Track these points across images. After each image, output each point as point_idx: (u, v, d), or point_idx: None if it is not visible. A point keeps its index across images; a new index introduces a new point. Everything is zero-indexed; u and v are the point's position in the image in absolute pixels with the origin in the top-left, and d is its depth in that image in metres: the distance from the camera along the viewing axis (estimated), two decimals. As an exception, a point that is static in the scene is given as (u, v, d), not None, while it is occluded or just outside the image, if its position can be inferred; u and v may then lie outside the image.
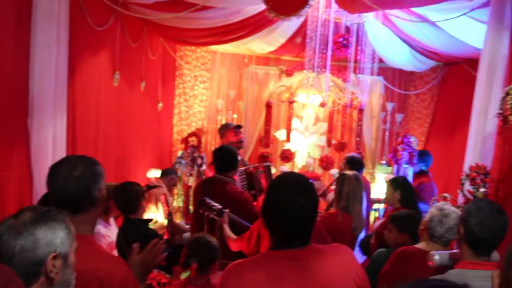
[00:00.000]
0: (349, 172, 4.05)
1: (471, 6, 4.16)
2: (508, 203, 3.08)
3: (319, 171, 7.71)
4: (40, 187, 3.58)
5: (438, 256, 2.46)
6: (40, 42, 3.67)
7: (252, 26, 6.43)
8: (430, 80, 7.96)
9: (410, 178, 5.47)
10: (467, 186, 3.39)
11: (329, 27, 6.03)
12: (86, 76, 4.74)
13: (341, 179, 3.99)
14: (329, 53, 5.73)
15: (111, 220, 4.17)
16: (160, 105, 7.53)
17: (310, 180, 2.05)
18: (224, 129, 5.48)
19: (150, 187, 5.03)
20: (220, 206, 3.63)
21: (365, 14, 5.96)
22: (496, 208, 2.26)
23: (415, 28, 6.19)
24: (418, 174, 5.67)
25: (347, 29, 6.68)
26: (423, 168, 5.63)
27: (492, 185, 3.16)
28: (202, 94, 8.02)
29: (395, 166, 5.81)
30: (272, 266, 1.86)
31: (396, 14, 5.73)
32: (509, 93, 2.91)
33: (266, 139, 7.54)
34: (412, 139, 6.41)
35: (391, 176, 5.33)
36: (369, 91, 7.52)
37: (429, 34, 6.23)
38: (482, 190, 3.33)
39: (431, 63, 7.45)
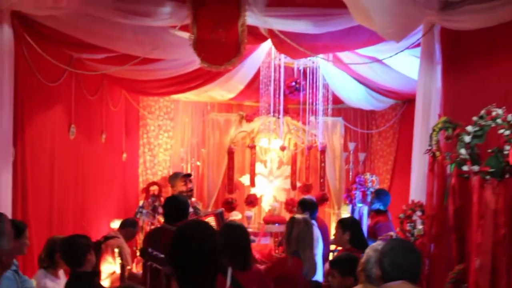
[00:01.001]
0: (298, 216, 4.09)
1: (403, 46, 4.36)
2: (442, 239, 3.14)
3: (285, 215, 7.72)
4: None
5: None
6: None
7: (209, 74, 6.57)
8: (390, 118, 8.17)
9: (365, 217, 5.53)
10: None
11: (282, 72, 6.23)
12: (38, 131, 4.79)
13: (291, 223, 4.01)
14: (281, 97, 5.87)
15: (60, 272, 4.11)
16: (124, 155, 7.57)
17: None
18: (174, 178, 5.53)
19: (106, 238, 4.97)
20: (162, 256, 3.60)
21: (316, 58, 6.19)
22: (408, 246, 2.27)
23: (367, 68, 6.43)
24: (375, 213, 5.71)
25: (304, 72, 6.91)
26: (380, 207, 5.67)
27: (427, 222, 3.23)
28: (167, 143, 8.08)
29: (350, 206, 5.87)
30: None
31: (344, 55, 5.95)
32: (434, 129, 3.02)
33: (229, 185, 7.58)
34: (373, 178, 6.53)
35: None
36: (329, 132, 7.66)
37: (381, 73, 6.48)
38: (419, 227, 3.40)
39: (389, 101, 7.69)
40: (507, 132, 2.36)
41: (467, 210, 2.76)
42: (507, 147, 2.35)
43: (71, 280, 3.68)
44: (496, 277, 2.43)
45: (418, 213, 3.49)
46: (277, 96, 6.16)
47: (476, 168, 2.47)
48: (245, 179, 7.85)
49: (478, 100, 3.47)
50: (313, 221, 4.97)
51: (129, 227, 5.59)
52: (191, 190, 5.49)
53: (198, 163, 7.84)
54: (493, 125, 2.41)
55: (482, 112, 2.51)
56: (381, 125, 8.20)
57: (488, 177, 2.44)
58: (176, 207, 4.09)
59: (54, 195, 5.11)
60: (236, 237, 3.40)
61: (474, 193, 2.49)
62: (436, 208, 3.16)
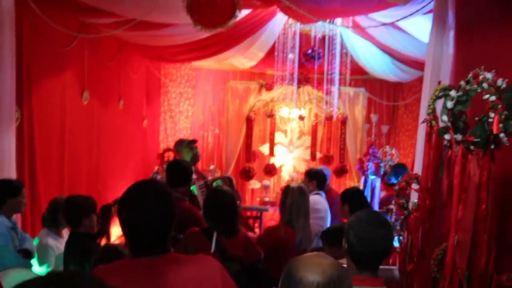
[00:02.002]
0: (293, 184, 3.98)
1: (420, 10, 4.10)
2: (435, 213, 2.98)
3: (304, 185, 7.62)
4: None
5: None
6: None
7: (227, 40, 6.47)
8: (417, 90, 7.83)
9: (377, 189, 5.35)
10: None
11: (301, 39, 6.03)
12: (46, 94, 4.82)
13: (285, 192, 3.91)
14: (296, 64, 5.69)
15: (64, 232, 4.19)
16: (145, 122, 7.63)
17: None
18: (179, 145, 5.49)
19: (117, 201, 5.06)
20: None
21: (336, 24, 5.96)
22: (377, 219, 2.09)
23: (390, 37, 6.14)
24: (389, 187, 5.54)
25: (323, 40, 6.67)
26: (394, 181, 5.49)
27: (421, 195, 3.06)
28: (188, 110, 8.10)
29: (363, 178, 5.69)
30: (128, 274, 1.85)
31: (363, 21, 5.69)
32: (432, 97, 2.82)
33: (247, 153, 7.53)
34: (393, 151, 6.31)
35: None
36: (351, 103, 7.44)
37: (405, 43, 6.18)
38: (415, 200, 3.23)
39: (416, 73, 7.34)
40: (493, 98, 2.16)
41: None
42: (492, 115, 2.15)
43: (69, 239, 3.75)
44: (474, 255, 2.27)
45: (414, 186, 3.34)
46: (292, 64, 5.96)
47: (459, 137, 2.28)
48: (265, 148, 7.79)
49: (491, 68, 3.23)
50: (321, 192, 4.83)
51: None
52: (197, 156, 5.44)
53: (217, 131, 7.81)
54: (479, 90, 2.21)
55: (469, 75, 2.31)
56: (407, 97, 7.89)
57: (472, 147, 2.25)
58: (178, 171, 4.03)
59: (65, 158, 5.18)
60: (221, 202, 3.34)
61: (456, 164, 2.31)
62: (431, 181, 2.98)
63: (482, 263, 2.25)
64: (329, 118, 7.34)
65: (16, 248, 3.59)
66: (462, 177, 2.30)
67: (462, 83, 2.33)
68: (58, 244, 4.06)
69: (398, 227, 3.51)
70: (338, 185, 7.43)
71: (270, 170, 7.59)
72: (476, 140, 2.23)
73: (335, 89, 6.39)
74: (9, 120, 4.07)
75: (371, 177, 5.59)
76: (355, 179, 7.49)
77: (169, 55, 6.93)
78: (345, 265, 2.41)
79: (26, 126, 4.46)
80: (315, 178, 4.75)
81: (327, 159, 7.69)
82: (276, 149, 7.74)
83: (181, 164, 4.20)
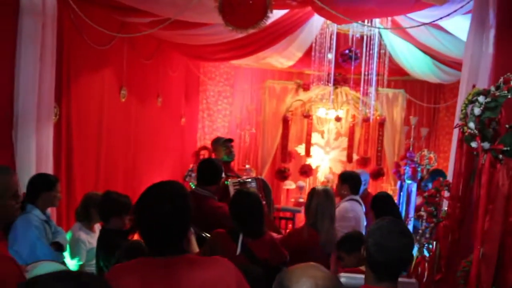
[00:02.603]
0: (319, 187, 3.92)
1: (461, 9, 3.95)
2: (465, 223, 2.87)
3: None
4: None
5: (344, 279, 2.34)
6: (24, 63, 3.89)
7: (264, 40, 6.47)
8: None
9: (413, 194, 5.20)
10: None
11: (339, 39, 5.95)
12: (85, 92, 4.96)
13: (311, 194, 3.86)
14: (333, 65, 5.62)
15: (96, 226, 4.29)
16: (183, 120, 7.73)
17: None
18: (215, 143, 5.52)
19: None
20: None
21: (375, 25, 5.84)
22: (398, 228, 2.03)
23: (431, 37, 5.97)
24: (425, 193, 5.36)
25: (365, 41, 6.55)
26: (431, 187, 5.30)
27: (451, 203, 2.95)
28: (226, 109, 8.15)
29: (399, 182, 5.54)
30: (144, 273, 1.88)
31: (403, 21, 5.55)
32: (465, 102, 2.71)
33: (283, 153, 7.50)
34: (431, 155, 6.12)
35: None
36: (390, 104, 7.28)
37: (446, 43, 5.99)
38: (445, 208, 3.12)
39: (457, 74, 7.09)
40: (523, 105, 2.05)
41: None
42: (520, 122, 2.04)
43: (100, 234, 3.85)
44: (501, 269, 2.16)
45: (446, 193, 3.22)
46: (329, 64, 5.89)
47: (486, 145, 2.18)
48: (301, 149, 7.74)
49: None
50: (357, 197, 4.64)
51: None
52: (232, 154, 5.46)
53: (253, 130, 7.82)
54: (509, 96, 2.10)
55: (500, 80, 2.19)
56: (449, 99, 7.64)
57: (501, 156, 2.15)
58: (208, 170, 4.06)
59: (102, 154, 5.31)
60: (247, 204, 3.33)
61: (483, 173, 2.21)
62: (462, 189, 2.87)
63: (510, 278, 2.15)
64: (366, 120, 7.21)
65: (49, 241, 3.70)
66: (490, 187, 2.20)
67: (492, 88, 2.22)
68: (90, 238, 4.17)
69: (427, 235, 3.41)
70: (374, 189, 7.28)
71: (306, 171, 7.53)
72: (505, 148, 2.13)
73: (372, 90, 6.25)
74: (47, 116, 4.21)
75: (408, 181, 5.44)
76: (392, 182, 7.32)
77: (207, 53, 6.99)
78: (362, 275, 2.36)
79: (64, 122, 4.60)
80: (347, 182, 4.55)
81: (364, 161, 7.57)
82: (313, 149, 7.68)
83: (212, 162, 4.23)
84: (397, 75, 7.61)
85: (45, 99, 4.15)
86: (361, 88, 6.22)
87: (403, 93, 7.59)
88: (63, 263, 3.89)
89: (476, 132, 2.21)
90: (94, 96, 5.17)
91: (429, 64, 6.89)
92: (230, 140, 5.54)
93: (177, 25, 5.35)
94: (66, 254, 4.03)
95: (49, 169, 4.18)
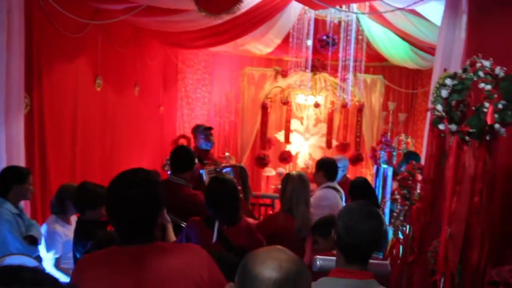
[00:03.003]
0: (293, 172, 3.93)
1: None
2: (436, 205, 2.89)
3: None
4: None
5: (320, 261, 2.34)
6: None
7: (241, 27, 6.42)
8: (438, 77, 7.61)
9: (389, 178, 5.24)
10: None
11: (317, 25, 5.93)
12: (58, 81, 4.86)
13: (285, 180, 3.86)
14: (310, 51, 5.59)
15: (73, 218, 4.23)
16: (162, 108, 7.66)
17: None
18: (195, 131, 5.50)
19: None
20: None
21: (352, 10, 5.83)
22: (367, 211, 2.03)
23: (409, 24, 5.98)
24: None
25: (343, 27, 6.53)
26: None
27: (423, 186, 2.97)
28: (205, 97, 8.09)
29: (375, 166, 5.57)
30: (114, 262, 1.86)
31: (380, 6, 5.54)
32: (436, 85, 2.70)
33: (262, 140, 7.49)
34: (409, 139, 6.16)
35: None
36: (368, 90, 7.30)
37: (423, 29, 5.99)
38: (417, 191, 3.15)
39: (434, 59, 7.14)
40: (488, 87, 2.05)
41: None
42: (487, 104, 2.04)
43: (76, 226, 3.82)
44: (467, 248, 2.19)
45: (420, 176, 3.24)
46: (307, 50, 5.86)
47: (453, 127, 2.18)
48: (281, 136, 7.74)
49: (504, 55, 3.10)
50: (334, 184, 4.62)
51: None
52: (210, 143, 5.46)
53: (233, 118, 7.79)
54: (475, 78, 2.10)
55: (467, 63, 2.20)
56: (427, 85, 7.66)
57: (467, 138, 2.16)
58: (180, 158, 4.05)
59: (77, 145, 5.23)
60: (222, 191, 3.32)
61: (450, 155, 2.22)
62: (433, 171, 2.88)
63: (475, 257, 2.18)
64: (344, 106, 7.23)
65: (22, 234, 3.65)
66: (457, 169, 2.21)
67: (460, 71, 2.23)
68: (66, 230, 4.11)
69: (401, 218, 3.44)
70: (354, 174, 7.32)
71: (285, 158, 7.54)
72: (471, 130, 2.14)
73: (349, 76, 6.25)
74: (17, 107, 4.11)
75: (383, 166, 5.47)
76: (371, 167, 7.37)
77: (184, 41, 6.91)
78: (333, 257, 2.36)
79: (36, 113, 4.50)
80: (322, 169, 4.49)
81: (343, 147, 7.60)
82: (292, 136, 7.69)
83: (183, 149, 4.23)
84: (376, 61, 7.63)
85: (14, 89, 4.04)
86: (339, 74, 6.21)
87: (381, 79, 7.61)
88: (38, 257, 3.86)
89: (444, 114, 2.22)
90: (68, 86, 5.08)
91: (407, 50, 6.91)
92: (209, 128, 5.52)
93: (152, 12, 5.28)
94: (42, 247, 3.99)
95: (21, 161, 4.09)
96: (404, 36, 6.55)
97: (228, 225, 3.29)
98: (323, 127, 7.69)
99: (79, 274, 1.86)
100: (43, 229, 4.03)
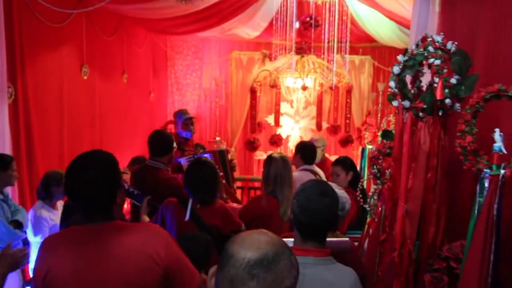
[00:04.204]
0: (275, 154, 3.96)
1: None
2: (396, 183, 2.93)
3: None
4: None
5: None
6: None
7: (225, 11, 6.44)
8: (428, 57, 7.60)
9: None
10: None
11: (302, 7, 5.93)
12: (42, 71, 4.90)
13: (268, 162, 3.89)
14: (294, 33, 5.61)
15: (59, 203, 4.34)
16: (152, 95, 7.71)
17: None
18: (175, 116, 5.55)
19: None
20: (137, 192, 3.66)
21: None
22: (320, 189, 2.07)
23: (394, 3, 5.96)
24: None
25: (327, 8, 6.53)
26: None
27: (393, 165, 3.01)
28: (195, 82, 8.13)
29: (360, 147, 5.61)
30: (75, 241, 1.95)
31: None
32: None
33: (252, 124, 7.54)
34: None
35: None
36: (356, 71, 7.31)
37: (408, 7, 5.98)
38: (388, 170, 3.19)
39: (423, 39, 7.12)
40: (437, 62, 2.08)
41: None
42: (436, 79, 2.08)
43: (62, 210, 3.93)
44: (424, 225, 2.24)
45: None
46: (289, 33, 5.88)
47: (406, 103, 2.23)
48: (271, 119, 7.78)
49: (477, 29, 3.11)
50: (311, 167, 4.68)
51: (138, 164, 5.75)
52: (189, 131, 5.53)
53: (222, 103, 7.84)
54: (425, 54, 2.14)
55: (419, 39, 2.24)
56: (416, 64, 7.68)
57: (421, 114, 2.20)
58: (157, 142, 4.14)
59: (64, 133, 5.28)
60: (199, 173, 3.40)
61: (405, 132, 2.26)
62: (397, 150, 2.92)
63: (431, 233, 2.23)
64: (332, 87, 7.25)
65: (8, 219, 3.76)
66: (412, 145, 2.26)
67: (413, 47, 2.26)
68: (52, 215, 4.24)
69: (375, 197, 3.50)
70: (345, 155, 7.37)
71: (275, 141, 7.60)
72: (424, 106, 2.18)
73: (334, 56, 6.27)
74: (1, 97, 4.17)
75: (368, 146, 5.51)
76: (360, 148, 7.41)
77: (170, 27, 6.94)
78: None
79: (21, 102, 4.55)
80: (299, 152, 4.60)
81: (333, 129, 7.64)
82: (282, 119, 7.73)
83: (160, 134, 4.30)
84: (365, 42, 7.63)
85: (-3, 81, 4.10)
86: (322, 55, 6.23)
87: (369, 60, 7.62)
88: (26, 240, 3.98)
89: (396, 90, 2.26)
90: (53, 75, 5.12)
91: (395, 30, 6.90)
92: (189, 118, 5.58)
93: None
94: (30, 231, 4.10)
95: (6, 149, 4.16)
96: (390, 16, 6.54)
97: (201, 205, 3.37)
98: (313, 110, 7.73)
99: (45, 250, 1.96)
100: (30, 214, 4.15)
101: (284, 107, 7.71)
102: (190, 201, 3.37)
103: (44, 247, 1.99)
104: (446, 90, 2.05)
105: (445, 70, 2.07)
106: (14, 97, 4.47)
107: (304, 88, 7.25)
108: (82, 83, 5.68)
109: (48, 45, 5.04)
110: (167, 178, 4.02)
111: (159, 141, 4.13)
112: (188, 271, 2.06)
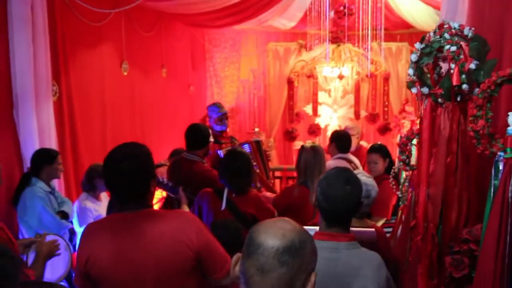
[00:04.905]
0: (307, 145, 4.01)
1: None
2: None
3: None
4: (27, 166, 4.10)
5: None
6: (17, 44, 4.08)
7: (259, 3, 6.50)
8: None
9: (413, 147, 5.20)
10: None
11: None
12: (84, 69, 5.14)
13: (300, 153, 3.94)
14: (327, 22, 5.61)
15: (102, 195, 4.57)
16: (192, 88, 7.89)
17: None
18: (208, 110, 5.67)
19: (157, 166, 5.43)
20: (171, 184, 3.80)
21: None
22: (344, 177, 2.11)
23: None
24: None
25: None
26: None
27: (418, 151, 3.01)
28: (233, 74, 8.25)
29: (398, 136, 5.55)
30: (113, 227, 2.11)
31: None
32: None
33: (290, 115, 7.59)
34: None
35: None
36: (394, 58, 7.21)
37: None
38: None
39: (464, 23, 6.94)
40: (453, 48, 2.08)
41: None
42: (452, 66, 2.08)
43: (109, 201, 4.13)
44: (446, 209, 2.25)
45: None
46: (324, 22, 5.87)
47: (425, 90, 2.23)
48: (309, 109, 7.81)
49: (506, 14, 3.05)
50: (346, 155, 4.71)
51: (177, 156, 5.92)
52: (222, 125, 5.65)
53: (261, 94, 7.93)
54: (442, 41, 2.13)
55: (436, 26, 2.23)
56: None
57: (440, 100, 2.20)
58: (193, 135, 4.25)
59: (107, 128, 5.53)
60: (235, 162, 3.51)
61: (424, 118, 2.27)
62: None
63: (453, 217, 2.24)
64: (371, 76, 7.19)
65: (55, 210, 4.00)
66: (432, 131, 2.27)
67: (431, 33, 2.27)
68: (96, 206, 4.46)
69: (406, 183, 3.49)
70: (385, 143, 7.31)
71: (314, 131, 7.63)
72: (443, 93, 2.19)
73: (369, 45, 6.21)
74: (46, 95, 4.40)
75: (407, 135, 5.43)
76: (398, 137, 7.32)
77: (207, 21, 7.07)
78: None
79: (65, 99, 4.80)
80: (333, 141, 4.66)
81: (372, 117, 7.59)
82: (321, 109, 7.74)
83: (196, 127, 4.40)
84: (402, 29, 7.52)
85: (42, 79, 4.33)
86: (356, 44, 6.18)
87: (407, 46, 7.49)
88: (72, 230, 4.23)
89: (415, 77, 2.27)
90: (94, 72, 5.35)
91: (432, 15, 6.75)
92: (224, 113, 5.70)
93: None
94: (75, 222, 4.34)
95: (52, 144, 4.40)
96: (426, 0, 6.42)
97: (237, 194, 3.47)
98: (351, 98, 7.70)
99: (85, 237, 2.12)
100: (75, 205, 4.39)
101: (322, 96, 7.72)
102: (226, 190, 3.47)
103: (84, 235, 2.14)
104: (463, 76, 2.06)
105: (462, 56, 2.07)
106: (59, 95, 4.72)
107: (341, 77, 7.23)
108: (122, 79, 5.90)
109: (89, 43, 5.27)
110: (202, 171, 4.13)
111: (195, 135, 4.25)
112: (220, 256, 2.17)
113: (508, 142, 1.83)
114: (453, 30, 2.14)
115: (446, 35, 2.12)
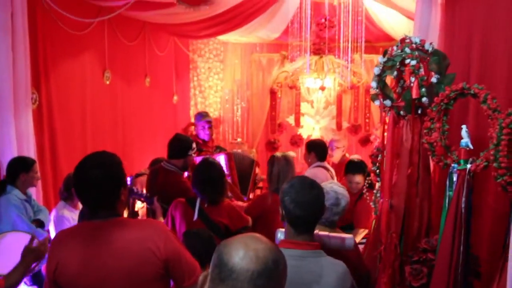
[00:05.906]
0: (278, 154, 4.10)
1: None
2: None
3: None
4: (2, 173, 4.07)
5: (281, 234, 2.49)
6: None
7: (244, 14, 6.57)
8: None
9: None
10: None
11: (318, 8, 5.98)
12: (65, 77, 5.14)
13: (271, 161, 4.03)
14: (308, 34, 5.69)
15: (80, 204, 4.55)
16: (175, 98, 7.91)
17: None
18: (195, 119, 5.72)
19: (137, 175, 5.43)
20: (145, 193, 3.83)
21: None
22: (307, 183, 2.19)
23: (410, 1, 5.96)
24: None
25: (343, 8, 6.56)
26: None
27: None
28: (217, 84, 8.29)
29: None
30: (82, 235, 2.12)
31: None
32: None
33: (272, 125, 7.65)
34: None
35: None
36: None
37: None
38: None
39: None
40: (413, 62, 2.15)
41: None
42: (412, 79, 2.14)
43: (80, 210, 4.13)
44: (408, 220, 2.30)
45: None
46: (306, 34, 5.95)
47: (388, 102, 2.30)
48: (292, 120, 7.87)
49: (480, 30, 3.13)
50: (324, 164, 4.79)
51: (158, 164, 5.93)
52: (206, 134, 5.70)
53: (243, 104, 7.98)
54: (403, 55, 2.20)
55: (398, 40, 2.30)
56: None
57: (402, 112, 2.26)
58: (173, 145, 4.30)
59: (87, 137, 5.51)
60: (207, 172, 3.54)
61: (387, 130, 2.33)
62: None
63: (415, 227, 2.29)
64: (352, 87, 7.28)
65: (30, 218, 4.00)
66: (395, 143, 2.33)
67: (395, 48, 2.33)
68: (74, 215, 4.44)
69: (378, 194, 3.55)
70: (365, 154, 7.39)
71: (296, 141, 7.69)
72: (405, 105, 2.25)
73: (349, 57, 6.31)
74: (25, 102, 4.39)
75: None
76: (381, 147, 7.40)
77: (190, 31, 7.13)
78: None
79: (45, 107, 4.80)
80: (313, 150, 4.75)
81: (354, 129, 7.67)
82: (303, 119, 7.80)
83: (177, 138, 4.44)
84: (385, 41, 7.62)
85: (21, 86, 4.33)
86: (337, 55, 6.26)
87: (388, 58, 7.59)
88: (48, 239, 4.20)
89: (377, 90, 2.33)
90: (75, 80, 5.36)
91: (412, 28, 6.86)
92: (207, 121, 5.75)
93: (146, 6, 5.44)
94: (52, 230, 4.33)
95: (31, 153, 4.40)
96: (407, 14, 6.52)
97: (209, 204, 3.51)
98: (333, 110, 7.77)
99: (55, 245, 2.13)
100: (53, 214, 4.38)
101: (304, 107, 7.79)
102: (198, 200, 3.51)
103: (54, 242, 2.16)
104: (423, 89, 2.12)
105: (421, 70, 2.14)
106: (39, 103, 4.73)
107: (323, 88, 7.32)
108: (104, 88, 5.91)
109: (71, 52, 5.28)
110: (177, 181, 4.16)
111: (174, 145, 4.29)
112: (188, 264, 2.19)
113: (462, 154, 1.89)
114: (414, 45, 2.20)
115: (407, 49, 2.19)
